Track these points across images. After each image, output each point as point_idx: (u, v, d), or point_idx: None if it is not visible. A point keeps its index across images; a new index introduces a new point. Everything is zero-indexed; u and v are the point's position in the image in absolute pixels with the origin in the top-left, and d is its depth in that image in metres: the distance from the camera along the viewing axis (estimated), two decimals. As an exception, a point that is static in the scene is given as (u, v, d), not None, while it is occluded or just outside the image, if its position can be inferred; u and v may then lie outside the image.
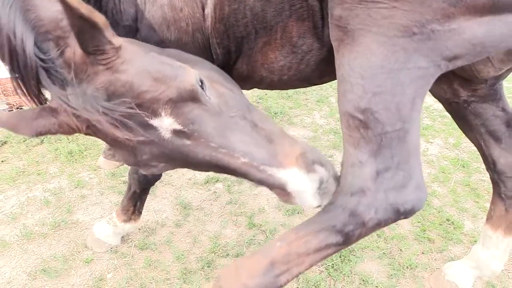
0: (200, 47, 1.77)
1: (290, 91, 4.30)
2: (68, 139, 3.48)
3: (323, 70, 1.70)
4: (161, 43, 1.67)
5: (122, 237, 2.50)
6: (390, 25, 1.14)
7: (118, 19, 1.69)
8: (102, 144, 3.39)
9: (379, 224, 1.20)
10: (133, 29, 1.72)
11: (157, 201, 2.85)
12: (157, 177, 2.31)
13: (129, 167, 2.32)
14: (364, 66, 1.17)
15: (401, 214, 1.21)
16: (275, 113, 3.94)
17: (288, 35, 1.61)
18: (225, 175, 2.95)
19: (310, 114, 4.04)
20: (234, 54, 1.80)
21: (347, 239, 1.22)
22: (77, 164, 3.24)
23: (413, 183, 1.20)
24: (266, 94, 4.30)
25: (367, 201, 1.19)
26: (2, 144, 3.43)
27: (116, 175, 3.11)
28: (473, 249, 2.10)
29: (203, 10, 1.69)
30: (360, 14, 1.17)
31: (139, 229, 2.59)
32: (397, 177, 1.19)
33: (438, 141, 3.56)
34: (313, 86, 4.39)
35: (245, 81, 1.92)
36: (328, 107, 4.18)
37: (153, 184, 2.34)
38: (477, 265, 2.05)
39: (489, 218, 2.00)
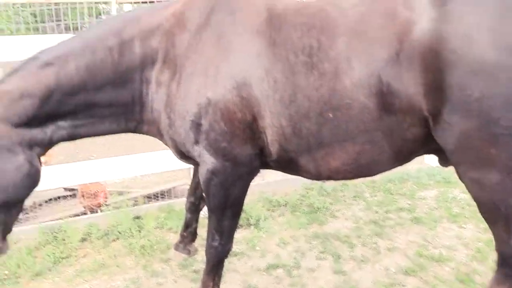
0: (249, 137, 2.18)
1: (329, 189, 4.81)
2: (140, 235, 3.94)
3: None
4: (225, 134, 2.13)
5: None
6: None
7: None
8: (171, 239, 3.84)
9: None
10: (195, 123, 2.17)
11: (225, 286, 3.21)
12: (229, 249, 2.53)
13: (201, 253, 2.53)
14: None
15: None
16: (318, 209, 4.41)
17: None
18: (284, 261, 3.34)
19: (349, 208, 4.49)
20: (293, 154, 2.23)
21: None
22: (150, 257, 3.66)
23: None
24: (307, 193, 4.80)
25: None
26: (82, 241, 3.90)
27: (186, 266, 3.50)
28: None
29: (254, 118, 2.13)
30: None
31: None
32: None
33: (470, 226, 3.95)
34: (349, 184, 4.91)
35: (307, 174, 2.37)
36: (364, 201, 4.64)
37: (226, 257, 2.59)
38: None
39: None
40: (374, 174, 2.29)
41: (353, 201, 4.67)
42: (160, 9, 2.40)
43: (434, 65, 1.83)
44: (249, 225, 4.13)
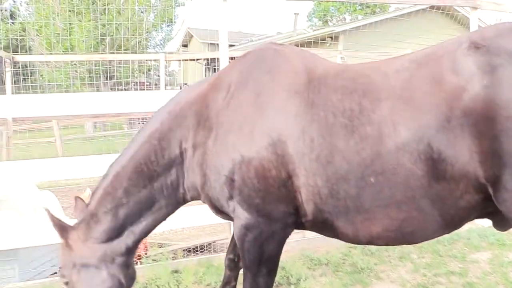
0: (284, 195, 2.16)
1: (373, 249, 4.60)
2: None
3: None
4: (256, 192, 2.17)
5: None
6: None
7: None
8: None
9: None
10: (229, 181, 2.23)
11: None
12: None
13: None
14: None
15: None
16: (362, 269, 4.20)
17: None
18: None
19: (395, 270, 4.25)
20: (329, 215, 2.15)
21: None
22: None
23: None
24: (350, 252, 4.62)
25: None
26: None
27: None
28: None
29: (289, 176, 2.12)
30: None
31: None
32: None
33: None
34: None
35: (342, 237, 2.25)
36: (412, 263, 4.40)
37: None
38: None
39: None
40: (420, 242, 2.20)
41: (399, 262, 4.43)
42: (200, 83, 2.62)
43: (490, 133, 1.78)
44: (289, 284, 3.98)
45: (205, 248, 4.73)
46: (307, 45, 9.95)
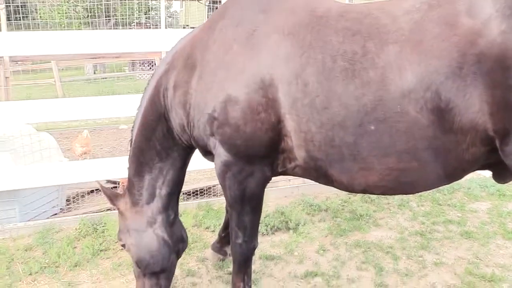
0: (271, 140, 2.12)
1: (373, 196, 4.60)
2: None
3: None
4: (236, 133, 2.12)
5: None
6: None
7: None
8: (208, 238, 3.79)
9: None
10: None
11: (261, 291, 3.12)
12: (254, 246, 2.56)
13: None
14: None
15: None
16: (361, 215, 4.22)
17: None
18: (323, 269, 3.21)
19: (393, 217, 4.28)
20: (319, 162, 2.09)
21: None
22: (186, 255, 3.61)
23: None
24: (350, 198, 4.63)
25: None
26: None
27: (222, 267, 3.43)
28: None
29: (279, 120, 2.05)
30: None
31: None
32: None
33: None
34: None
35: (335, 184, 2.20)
36: (411, 211, 4.41)
37: (252, 254, 2.58)
38: None
39: None
40: (418, 192, 2.13)
41: (398, 210, 4.44)
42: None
43: (504, 83, 1.66)
44: (287, 228, 4.01)
45: (205, 192, 4.74)
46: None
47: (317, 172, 2.16)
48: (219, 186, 4.98)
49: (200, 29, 2.46)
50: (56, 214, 4.43)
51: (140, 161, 2.57)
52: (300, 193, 4.71)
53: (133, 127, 2.62)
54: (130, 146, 2.63)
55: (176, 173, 2.64)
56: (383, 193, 2.12)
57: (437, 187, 2.10)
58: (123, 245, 2.67)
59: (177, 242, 2.71)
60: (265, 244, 3.75)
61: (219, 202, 4.44)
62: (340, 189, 2.21)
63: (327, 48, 1.95)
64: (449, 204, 4.60)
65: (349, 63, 1.89)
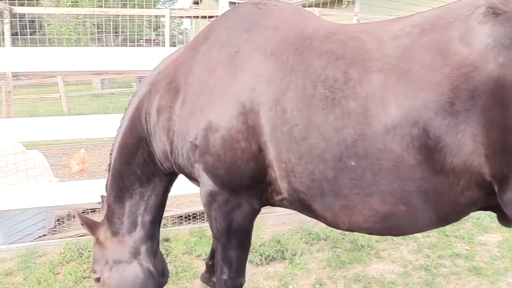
0: (254, 171, 1.96)
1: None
2: (167, 260, 3.70)
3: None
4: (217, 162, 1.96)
5: None
6: None
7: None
8: (198, 267, 3.58)
9: None
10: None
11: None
12: (241, 284, 2.36)
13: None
14: None
15: None
16: (362, 246, 3.98)
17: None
18: None
19: (397, 249, 4.03)
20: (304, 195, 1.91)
21: None
22: (174, 285, 3.40)
23: None
24: (351, 226, 4.39)
25: None
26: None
27: (210, 299, 3.20)
28: None
29: (260, 149, 1.90)
30: None
31: None
32: None
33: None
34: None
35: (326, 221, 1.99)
36: (415, 242, 4.16)
37: None
38: None
39: None
40: (409, 234, 1.92)
41: (402, 241, 4.18)
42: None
43: (501, 122, 1.45)
44: (283, 258, 3.78)
45: (198, 216, 4.53)
46: (322, 5, 9.37)
47: (302, 205, 1.98)
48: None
49: (184, 50, 2.32)
50: (45, 235, 4.25)
51: (120, 187, 2.41)
52: (299, 220, 4.48)
53: (111, 150, 2.45)
54: (108, 170, 2.46)
55: (158, 199, 2.47)
56: (370, 233, 1.91)
57: (431, 229, 1.88)
58: (98, 279, 2.47)
59: (160, 276, 2.52)
60: (258, 275, 3.53)
61: (213, 228, 4.23)
62: (327, 225, 2.01)
63: (309, 73, 1.77)
64: (457, 235, 4.34)
65: (329, 90, 1.70)
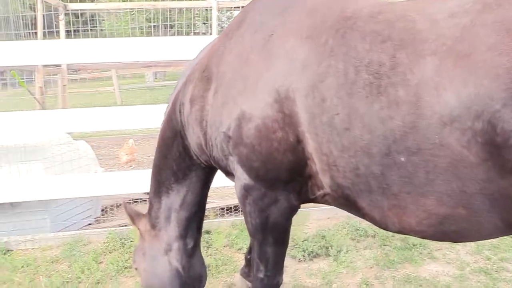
0: (293, 163, 1.81)
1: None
2: (207, 253, 3.64)
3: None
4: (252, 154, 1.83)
5: None
6: None
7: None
8: (239, 260, 3.48)
9: None
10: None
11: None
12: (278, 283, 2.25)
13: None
14: None
15: None
16: (414, 245, 3.72)
17: None
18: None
19: (453, 249, 3.72)
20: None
21: None
22: (214, 279, 3.33)
23: None
24: (402, 223, 4.12)
25: None
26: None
27: (249, 295, 3.10)
28: None
29: (298, 140, 1.73)
30: None
31: None
32: None
33: None
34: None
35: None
36: (474, 242, 3.82)
37: None
38: None
39: None
40: (469, 241, 1.68)
41: (459, 240, 3.87)
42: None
43: None
44: (328, 255, 3.61)
45: (240, 208, 4.44)
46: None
47: (348, 202, 1.79)
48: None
49: (218, 38, 2.23)
50: (90, 224, 4.34)
51: (158, 181, 2.39)
52: (346, 215, 4.20)
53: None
54: None
55: (195, 196, 2.40)
56: (423, 237, 1.70)
57: (497, 237, 1.63)
58: (136, 268, 2.46)
59: (193, 280, 2.45)
60: (300, 272, 3.38)
61: (256, 221, 4.12)
62: (376, 225, 1.81)
63: (351, 56, 1.59)
64: (522, 236, 3.94)
65: (374, 76, 1.50)
